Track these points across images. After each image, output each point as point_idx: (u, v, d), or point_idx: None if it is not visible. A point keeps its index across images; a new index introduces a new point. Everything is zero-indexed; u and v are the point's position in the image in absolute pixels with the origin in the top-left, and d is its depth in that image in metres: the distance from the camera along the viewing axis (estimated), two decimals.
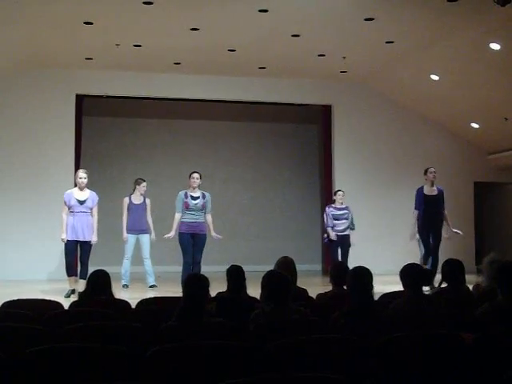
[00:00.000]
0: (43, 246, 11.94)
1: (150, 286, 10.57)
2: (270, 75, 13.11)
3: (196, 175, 9.87)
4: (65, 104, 12.59)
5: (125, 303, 5.39)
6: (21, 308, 4.83)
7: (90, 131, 13.71)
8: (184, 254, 9.73)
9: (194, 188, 9.82)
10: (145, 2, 8.85)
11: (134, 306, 5.45)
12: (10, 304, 5.16)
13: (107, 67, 12.50)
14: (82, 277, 9.27)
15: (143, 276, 10.76)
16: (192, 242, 9.73)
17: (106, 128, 14.42)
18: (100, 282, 5.36)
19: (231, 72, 12.87)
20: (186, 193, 9.83)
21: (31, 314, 4.55)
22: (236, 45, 11.07)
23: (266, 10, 9.22)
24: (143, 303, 5.57)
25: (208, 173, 14.45)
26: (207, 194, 9.90)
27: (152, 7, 9.01)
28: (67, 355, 3.36)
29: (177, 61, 12.12)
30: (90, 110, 13.40)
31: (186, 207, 9.73)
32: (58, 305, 5.30)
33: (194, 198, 9.76)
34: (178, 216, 9.84)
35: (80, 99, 12.94)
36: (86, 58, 11.90)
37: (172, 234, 9.88)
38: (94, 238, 9.51)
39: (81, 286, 9.18)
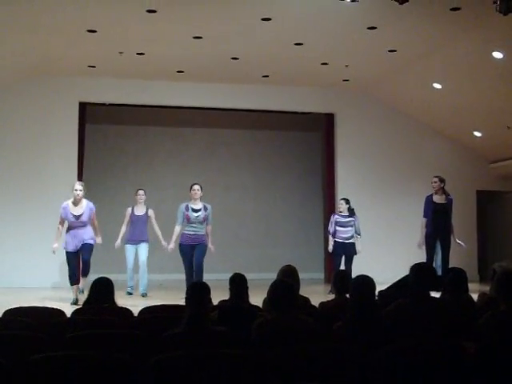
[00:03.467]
0: (45, 253, 11.88)
1: (142, 295, 10.49)
2: (273, 83, 13.13)
3: (196, 187, 9.87)
4: (68, 111, 12.61)
5: (127, 311, 5.39)
6: (23, 316, 4.83)
7: (92, 139, 13.71)
8: (183, 263, 9.80)
9: (195, 200, 9.82)
10: (148, 10, 8.87)
11: (136, 313, 5.45)
12: (12, 312, 5.17)
13: (110, 75, 12.53)
14: (84, 274, 9.41)
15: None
16: (193, 253, 9.75)
17: (108, 136, 14.44)
18: (103, 290, 5.36)
19: (234, 80, 12.90)
20: (187, 205, 9.82)
21: (34, 321, 4.55)
22: (239, 53, 11.09)
23: (269, 19, 9.24)
24: (145, 311, 5.58)
25: (210, 180, 14.48)
26: (209, 207, 9.89)
27: (155, 15, 9.03)
28: (70, 363, 3.36)
29: (180, 69, 12.15)
30: (92, 117, 13.41)
31: (187, 220, 9.74)
32: (60, 312, 5.31)
33: (195, 211, 9.76)
34: (177, 229, 9.90)
35: (83, 107, 12.97)
36: (89, 66, 11.92)
37: (171, 246, 9.95)
38: (98, 240, 9.75)
39: (82, 283, 9.39)
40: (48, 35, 10.02)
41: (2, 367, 3.24)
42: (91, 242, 9.59)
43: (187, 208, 9.78)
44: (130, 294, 10.55)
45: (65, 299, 9.44)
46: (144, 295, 10.46)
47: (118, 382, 3.35)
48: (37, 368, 3.30)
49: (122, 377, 3.36)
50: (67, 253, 9.53)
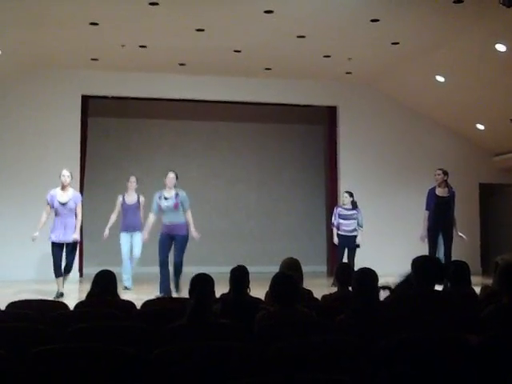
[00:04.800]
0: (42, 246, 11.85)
1: (124, 288, 10.30)
2: (276, 76, 13.11)
3: (171, 174, 9.61)
4: (70, 104, 12.61)
5: (130, 304, 5.40)
6: (26, 308, 4.84)
7: (95, 132, 13.71)
8: (158, 254, 9.51)
9: (169, 188, 9.55)
10: (150, 3, 8.86)
11: (138, 306, 5.46)
12: (16, 304, 5.18)
13: (113, 68, 12.52)
14: (66, 271, 9.51)
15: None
16: (171, 243, 9.53)
17: (111, 128, 14.42)
18: (105, 283, 5.36)
19: (236, 73, 12.88)
20: (160, 194, 9.59)
21: (36, 314, 4.55)
22: (241, 46, 11.07)
23: (271, 11, 9.22)
24: (148, 304, 5.58)
25: (213, 173, 14.51)
26: (181, 193, 9.58)
27: (157, 8, 9.02)
28: (72, 356, 3.37)
29: (182, 61, 12.13)
30: (95, 110, 13.41)
31: (160, 209, 9.54)
32: (63, 305, 5.32)
33: (165, 199, 9.49)
34: (150, 217, 9.70)
35: (85, 100, 12.96)
36: (92, 59, 11.92)
37: (144, 236, 9.78)
38: (74, 236, 9.51)
39: (64, 280, 9.51)
40: (50, 28, 10.01)
41: (5, 359, 3.24)
42: (75, 240, 9.50)
43: (160, 196, 9.55)
44: (127, 288, 10.40)
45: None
46: (126, 289, 10.32)
47: (120, 374, 3.35)
48: (39, 360, 3.30)
49: (125, 369, 3.37)
50: (52, 244, 9.46)
